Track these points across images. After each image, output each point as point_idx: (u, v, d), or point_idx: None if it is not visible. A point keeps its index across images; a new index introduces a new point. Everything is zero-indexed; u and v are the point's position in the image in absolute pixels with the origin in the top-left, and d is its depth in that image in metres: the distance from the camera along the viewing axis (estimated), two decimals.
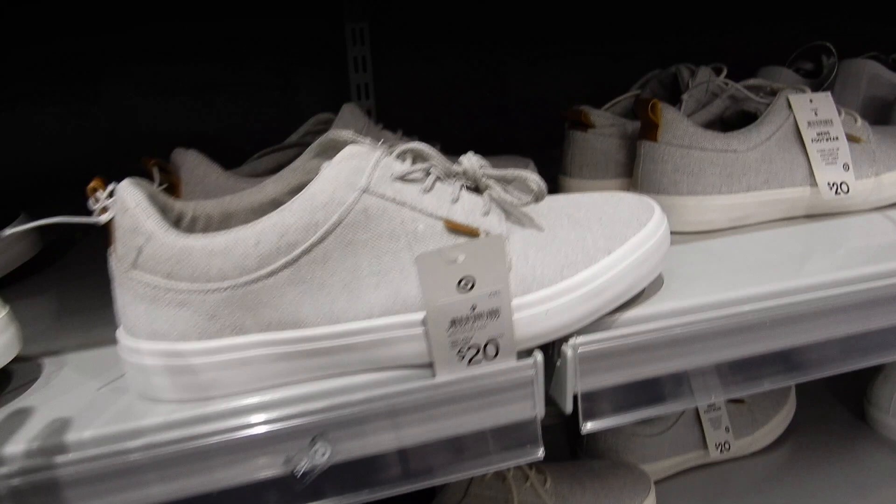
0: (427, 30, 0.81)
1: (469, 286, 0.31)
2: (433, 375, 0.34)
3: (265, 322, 0.31)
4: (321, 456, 0.32)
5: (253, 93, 0.76)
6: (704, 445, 0.68)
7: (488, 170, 0.35)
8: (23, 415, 0.32)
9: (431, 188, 0.33)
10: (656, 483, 0.64)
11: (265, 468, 0.32)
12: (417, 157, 0.34)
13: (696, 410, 0.68)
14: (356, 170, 0.31)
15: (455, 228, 0.33)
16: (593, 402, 0.37)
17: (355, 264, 0.32)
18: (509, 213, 0.35)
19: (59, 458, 0.29)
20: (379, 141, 0.45)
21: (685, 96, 0.57)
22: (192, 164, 0.39)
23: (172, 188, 0.39)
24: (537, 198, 0.34)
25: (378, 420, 0.33)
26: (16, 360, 0.35)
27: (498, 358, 0.34)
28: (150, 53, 0.71)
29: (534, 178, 0.33)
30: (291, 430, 0.31)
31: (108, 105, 0.70)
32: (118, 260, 0.31)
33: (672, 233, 0.39)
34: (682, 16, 0.89)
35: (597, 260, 0.35)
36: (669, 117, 0.48)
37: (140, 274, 0.31)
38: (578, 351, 0.35)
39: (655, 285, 0.40)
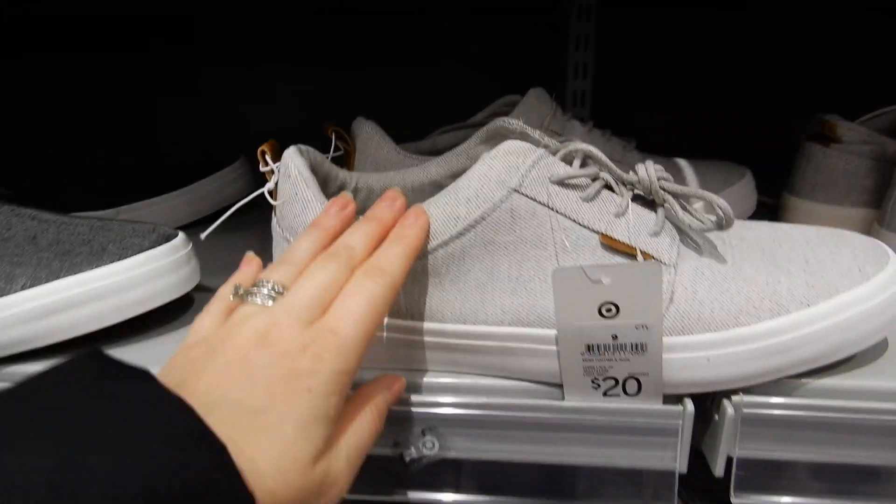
0: (652, 29, 0.72)
1: (613, 313, 0.28)
2: (562, 398, 0.31)
3: (394, 307, 0.31)
4: (429, 448, 0.31)
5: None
6: None
7: (668, 184, 0.30)
8: None
9: (595, 197, 0.29)
10: None
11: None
12: (586, 160, 0.31)
13: None
14: (511, 167, 0.29)
15: (611, 245, 0.29)
16: (751, 472, 0.31)
17: (493, 266, 0.30)
18: (686, 236, 0.30)
19: None
20: (561, 133, 0.42)
21: None
22: (367, 134, 0.40)
23: (348, 156, 0.41)
24: (720, 225, 0.28)
25: (493, 428, 0.31)
26: (198, 288, 0.40)
27: (639, 396, 0.30)
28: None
29: (721, 203, 0.28)
30: (401, 416, 0.31)
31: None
32: (278, 223, 0.33)
33: None
34: None
35: (788, 311, 0.28)
36: None
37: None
38: (742, 412, 0.29)
39: (876, 349, 0.31)
